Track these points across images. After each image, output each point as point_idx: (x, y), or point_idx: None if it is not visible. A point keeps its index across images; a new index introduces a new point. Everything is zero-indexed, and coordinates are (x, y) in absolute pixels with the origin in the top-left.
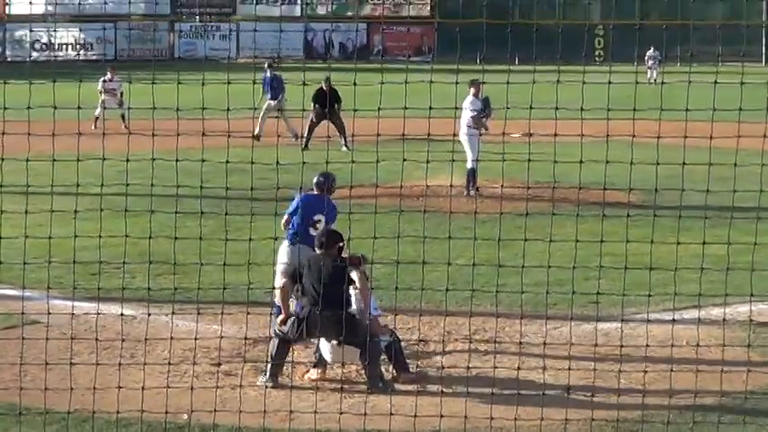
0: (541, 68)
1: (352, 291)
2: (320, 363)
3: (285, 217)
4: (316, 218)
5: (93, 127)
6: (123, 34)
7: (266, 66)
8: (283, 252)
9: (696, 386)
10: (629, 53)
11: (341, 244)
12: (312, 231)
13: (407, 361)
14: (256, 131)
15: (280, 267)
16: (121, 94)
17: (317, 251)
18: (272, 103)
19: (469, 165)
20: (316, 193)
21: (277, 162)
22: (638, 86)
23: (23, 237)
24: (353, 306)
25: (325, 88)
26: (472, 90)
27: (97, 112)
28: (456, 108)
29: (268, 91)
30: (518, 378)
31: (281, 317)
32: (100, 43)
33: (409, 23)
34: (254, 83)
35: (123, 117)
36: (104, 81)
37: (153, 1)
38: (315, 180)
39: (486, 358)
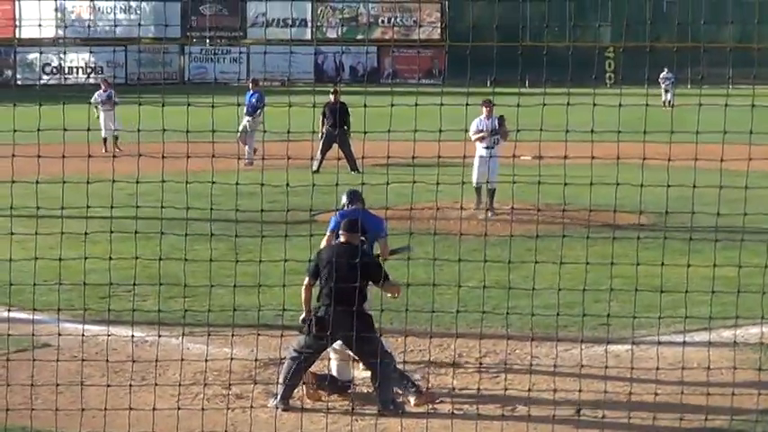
0: (551, 91)
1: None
2: (334, 386)
3: (327, 234)
4: None
5: (103, 150)
6: (134, 57)
7: (250, 83)
8: None
9: (707, 408)
10: (640, 75)
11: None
12: None
13: (417, 380)
14: (255, 155)
15: None
16: (115, 104)
17: (341, 239)
18: (249, 119)
19: (474, 184)
20: (351, 207)
21: (287, 184)
22: (649, 109)
23: (33, 259)
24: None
25: (332, 99)
26: (484, 110)
27: (103, 133)
28: (466, 131)
29: (247, 107)
30: (529, 399)
31: (303, 315)
32: (110, 66)
33: (419, 46)
34: (264, 105)
35: (116, 139)
36: (98, 94)
37: (163, 24)
38: (347, 199)
39: (496, 380)
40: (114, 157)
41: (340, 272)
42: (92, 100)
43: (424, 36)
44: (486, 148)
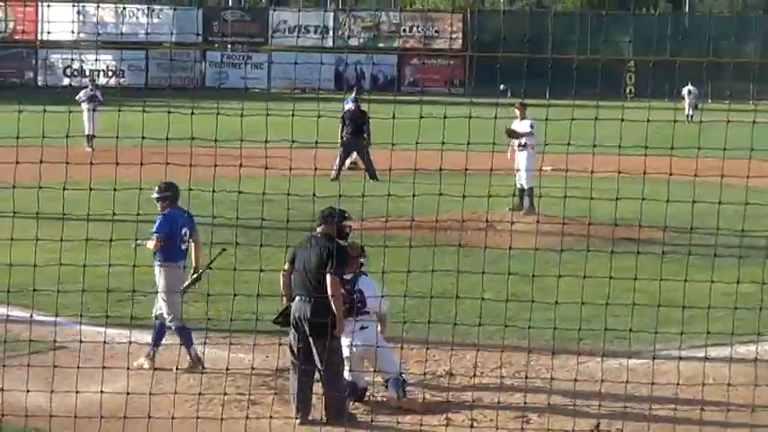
0: (563, 103)
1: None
2: (353, 393)
3: (157, 238)
4: (183, 231)
5: (86, 148)
6: (156, 62)
7: (354, 92)
8: (174, 275)
9: (726, 424)
10: (661, 89)
11: (345, 223)
12: (183, 246)
13: (408, 389)
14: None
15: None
16: (100, 103)
17: (317, 230)
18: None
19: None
20: (174, 207)
21: (314, 194)
22: (670, 123)
23: (59, 265)
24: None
25: (353, 107)
26: (517, 112)
27: (86, 131)
28: (493, 143)
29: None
30: (547, 411)
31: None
32: (132, 70)
33: (450, 56)
34: (293, 114)
35: (91, 139)
36: (84, 92)
37: (193, 31)
38: (162, 194)
39: (511, 392)
40: (142, 164)
41: (306, 261)
42: (77, 97)
43: (445, 46)
44: (519, 147)
